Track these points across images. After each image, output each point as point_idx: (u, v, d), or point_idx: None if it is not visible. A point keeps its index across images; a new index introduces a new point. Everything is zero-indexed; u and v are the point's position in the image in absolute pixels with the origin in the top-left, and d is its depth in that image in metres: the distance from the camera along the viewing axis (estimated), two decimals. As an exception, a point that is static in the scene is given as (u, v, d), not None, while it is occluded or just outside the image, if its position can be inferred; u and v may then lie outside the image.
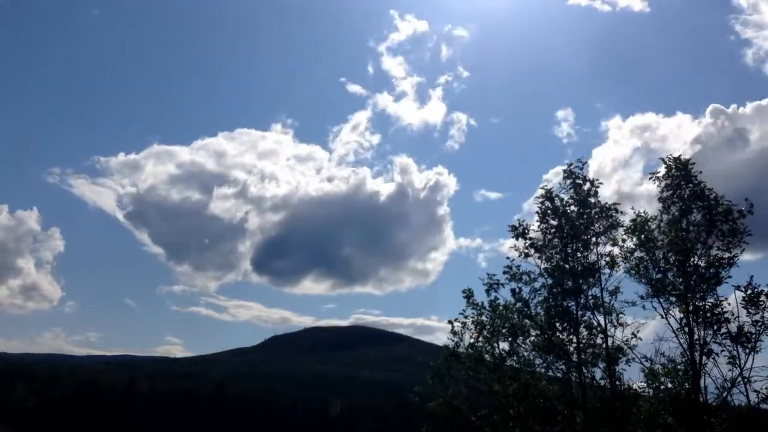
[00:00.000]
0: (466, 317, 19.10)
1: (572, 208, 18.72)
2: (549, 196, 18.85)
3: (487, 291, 18.84)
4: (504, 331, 18.79)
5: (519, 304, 18.65)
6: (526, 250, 18.78)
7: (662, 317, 17.56)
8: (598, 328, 18.09)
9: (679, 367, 17.17)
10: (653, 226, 18.26)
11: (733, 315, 16.83)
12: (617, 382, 17.84)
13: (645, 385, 17.58)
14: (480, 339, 18.95)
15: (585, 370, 18.08)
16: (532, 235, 18.91)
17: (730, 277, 17.14)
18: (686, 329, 17.17)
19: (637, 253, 18.28)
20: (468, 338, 19.08)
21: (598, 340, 18.10)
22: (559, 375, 18.41)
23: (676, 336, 17.32)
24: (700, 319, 17.06)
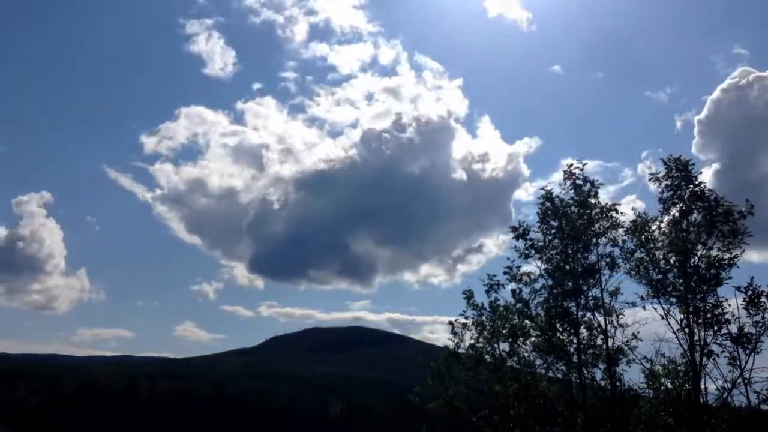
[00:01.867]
0: (466, 318, 19.16)
1: (572, 209, 18.75)
2: (549, 197, 18.90)
3: (487, 292, 18.91)
4: (504, 331, 18.82)
5: (519, 305, 18.69)
6: (527, 251, 18.82)
7: (662, 318, 17.56)
8: (599, 329, 18.11)
9: (679, 368, 17.17)
10: (653, 227, 18.28)
11: (733, 316, 16.85)
12: (617, 383, 17.85)
13: (645, 385, 17.59)
14: (480, 340, 18.99)
15: (585, 371, 18.10)
16: (532, 236, 18.97)
17: (730, 278, 17.16)
18: (686, 330, 17.17)
19: (638, 254, 18.29)
20: (468, 339, 19.14)
21: (599, 341, 18.13)
22: (559, 376, 18.43)
23: (677, 337, 17.33)
24: (700, 320, 17.07)
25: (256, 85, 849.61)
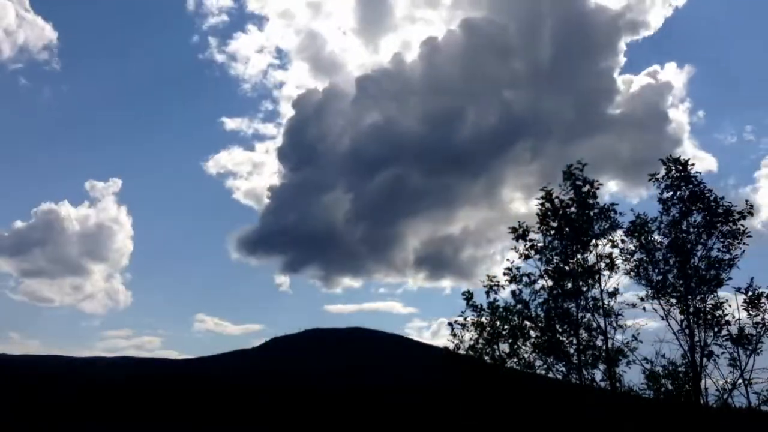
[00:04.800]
0: (465, 319, 19.12)
1: (572, 209, 18.71)
2: (549, 197, 18.86)
3: (487, 293, 18.89)
4: (504, 332, 18.79)
5: (519, 306, 18.66)
6: (526, 252, 18.79)
7: (663, 319, 17.53)
8: (598, 330, 18.07)
9: (679, 369, 17.14)
10: (653, 228, 18.23)
11: (733, 317, 16.83)
12: (617, 384, 17.81)
13: (645, 387, 17.55)
14: (480, 340, 18.95)
15: (585, 372, 18.06)
16: (532, 236, 18.93)
17: (730, 278, 17.14)
18: (687, 331, 17.14)
19: (637, 255, 18.25)
20: (468, 340, 19.10)
21: (598, 342, 18.09)
22: (559, 377, 18.38)
23: (677, 338, 17.29)
24: (700, 321, 17.03)
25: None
